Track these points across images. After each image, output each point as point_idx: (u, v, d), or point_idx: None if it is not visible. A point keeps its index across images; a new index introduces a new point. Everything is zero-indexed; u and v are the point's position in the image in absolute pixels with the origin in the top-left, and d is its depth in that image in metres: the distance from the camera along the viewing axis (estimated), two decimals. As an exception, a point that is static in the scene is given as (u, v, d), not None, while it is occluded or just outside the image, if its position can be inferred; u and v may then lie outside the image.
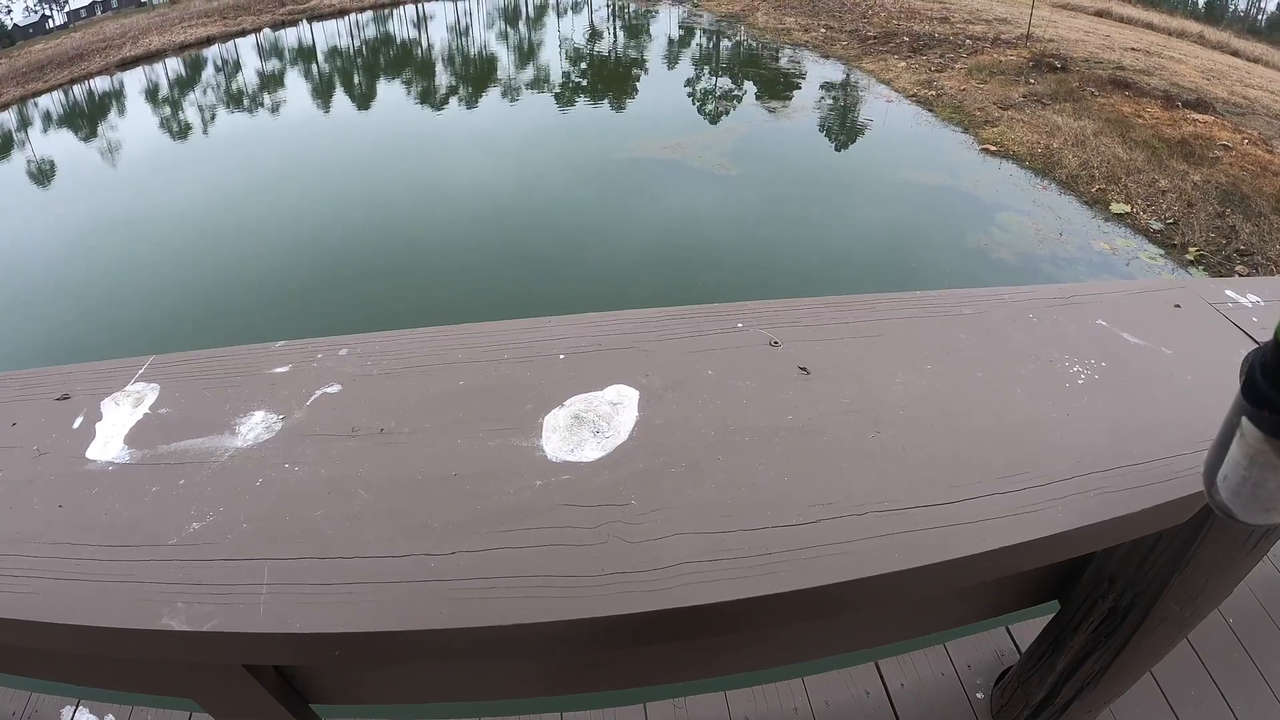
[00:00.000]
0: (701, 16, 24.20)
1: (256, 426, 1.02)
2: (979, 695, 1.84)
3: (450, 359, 1.09)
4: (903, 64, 17.31)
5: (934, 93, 15.21)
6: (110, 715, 1.88)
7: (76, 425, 1.10)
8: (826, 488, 0.86)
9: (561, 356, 1.06)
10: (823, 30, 20.81)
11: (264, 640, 0.80)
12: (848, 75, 17.51)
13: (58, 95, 25.33)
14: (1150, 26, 22.45)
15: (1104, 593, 1.23)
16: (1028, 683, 1.59)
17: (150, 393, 1.12)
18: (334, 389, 1.06)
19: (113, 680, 1.30)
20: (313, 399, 1.05)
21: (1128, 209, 10.21)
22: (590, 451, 0.92)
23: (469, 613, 0.78)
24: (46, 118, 23.68)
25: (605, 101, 17.45)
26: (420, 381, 1.06)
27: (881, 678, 1.96)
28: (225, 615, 0.81)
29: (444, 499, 0.89)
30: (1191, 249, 9.37)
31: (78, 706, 1.91)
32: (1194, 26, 22.99)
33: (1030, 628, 1.87)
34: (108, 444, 1.05)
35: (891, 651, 1.98)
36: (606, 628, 0.78)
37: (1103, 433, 0.93)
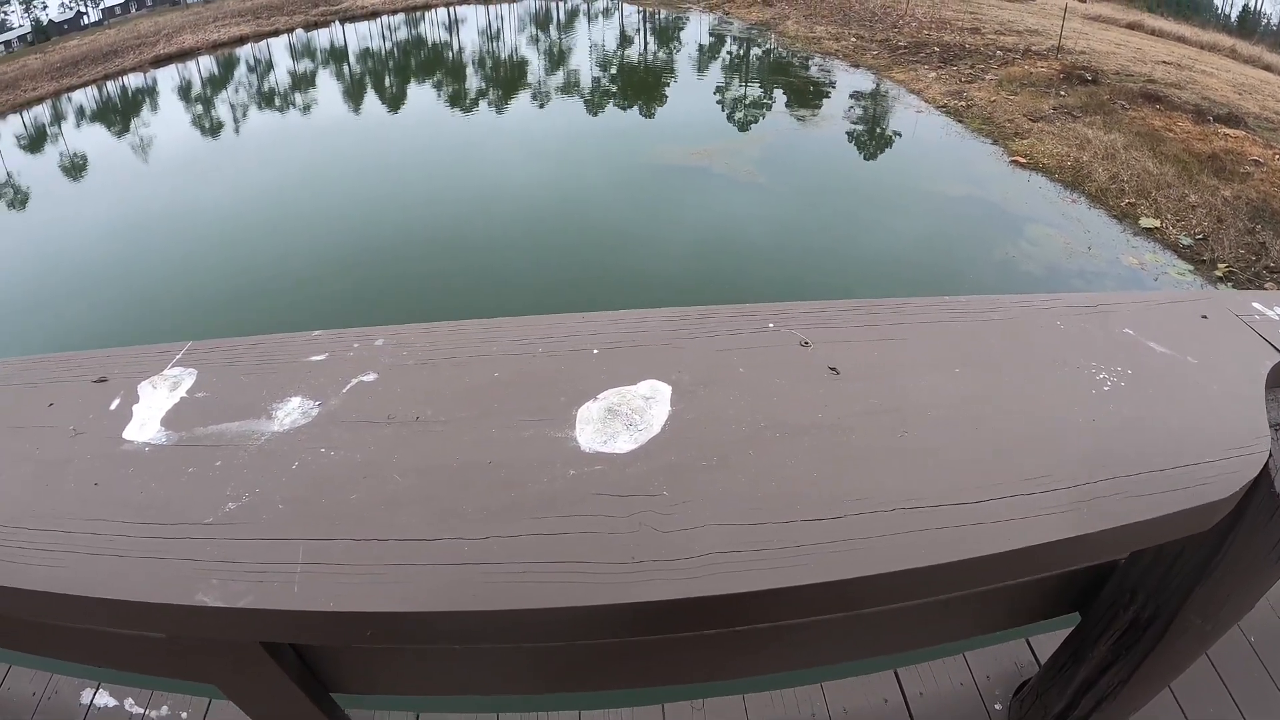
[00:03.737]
0: (732, 24, 24.21)
1: (293, 412, 1.03)
2: (997, 706, 1.84)
3: (485, 351, 1.10)
4: (933, 74, 17.28)
5: (964, 104, 15.17)
6: (130, 698, 1.89)
7: (113, 407, 1.11)
8: (855, 484, 0.87)
9: (595, 351, 1.07)
10: (853, 39, 20.80)
11: (297, 618, 0.82)
12: (877, 85, 17.49)
13: (91, 91, 25.63)
14: (1182, 40, 22.31)
15: (1126, 604, 1.23)
16: (1047, 694, 1.58)
17: (187, 377, 1.14)
18: (370, 377, 1.07)
19: (135, 663, 1.31)
20: (349, 386, 1.06)
21: (1157, 224, 10.14)
22: (623, 444, 0.93)
23: (504, 596, 0.79)
24: (80, 112, 23.96)
25: (634, 107, 17.50)
26: (455, 372, 1.07)
27: (900, 686, 1.95)
28: (259, 593, 0.82)
29: (479, 486, 0.90)
30: (1220, 265, 9.30)
31: (98, 689, 1.92)
32: (1226, 40, 22.82)
33: (1049, 640, 1.86)
34: (144, 425, 1.07)
35: (911, 660, 1.97)
36: (638, 614, 0.79)
37: (1129, 439, 0.93)
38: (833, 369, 1.02)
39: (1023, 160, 12.27)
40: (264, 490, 0.93)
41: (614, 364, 1.05)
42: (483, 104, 18.79)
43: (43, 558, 0.92)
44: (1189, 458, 0.91)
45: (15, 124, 23.37)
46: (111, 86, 25.67)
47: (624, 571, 0.79)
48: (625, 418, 0.96)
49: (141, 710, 1.86)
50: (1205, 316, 1.14)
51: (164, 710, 1.86)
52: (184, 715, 1.84)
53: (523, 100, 18.75)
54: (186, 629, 0.91)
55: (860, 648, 1.24)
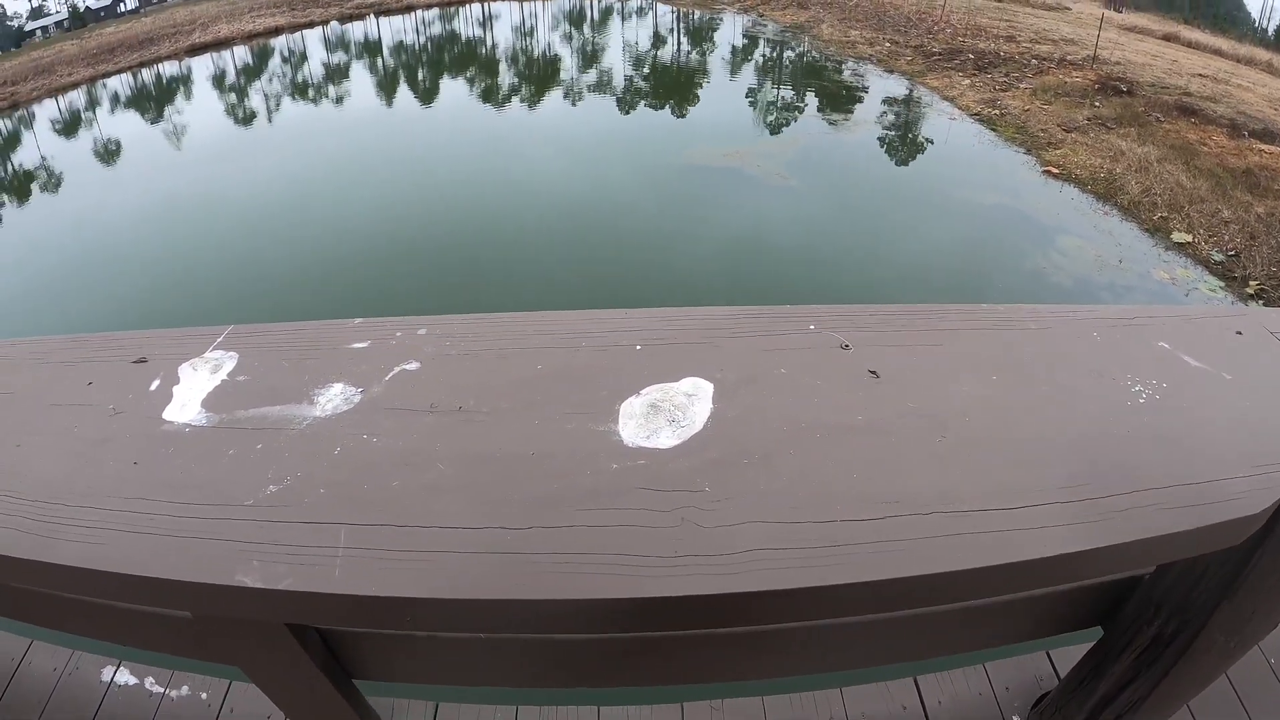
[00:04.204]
0: (766, 26, 24.14)
1: (335, 398, 1.04)
2: (1015, 718, 1.83)
3: (528, 344, 1.11)
4: (967, 81, 17.19)
5: (998, 112, 15.09)
6: (150, 677, 1.90)
7: (153, 388, 1.12)
8: (893, 486, 0.87)
9: (638, 347, 1.08)
10: (887, 44, 20.71)
11: (338, 602, 0.82)
12: (911, 91, 17.40)
13: (126, 77, 25.85)
14: (1218, 53, 22.09)
15: (1150, 619, 1.22)
16: (1066, 707, 1.58)
17: (228, 360, 1.15)
18: (412, 366, 1.08)
19: (160, 643, 1.32)
20: (391, 375, 1.07)
21: (1189, 239, 10.05)
22: (666, 439, 0.93)
23: (546, 585, 0.79)
24: (115, 98, 24.14)
25: (666, 107, 17.48)
26: (498, 364, 1.08)
27: (919, 693, 1.95)
28: (299, 576, 0.83)
29: (521, 476, 0.91)
30: (1252, 283, 9.20)
31: (118, 667, 1.93)
32: (1263, 54, 22.53)
33: (1070, 654, 1.85)
34: (185, 407, 1.08)
35: (930, 668, 1.97)
36: (681, 608, 0.79)
37: (1162, 451, 0.93)
38: (872, 372, 1.03)
39: (1055, 170, 12.18)
40: (305, 474, 0.94)
41: (656, 360, 1.06)
42: (515, 100, 18.83)
43: (80, 534, 0.93)
44: (1222, 472, 0.91)
45: (51, 109, 23.63)
46: (147, 74, 25.90)
47: (667, 565, 0.80)
48: (668, 414, 0.97)
49: (162, 690, 1.87)
50: (1240, 333, 1.14)
51: (184, 690, 1.88)
52: (203, 696, 1.85)
53: (555, 97, 18.78)
54: (224, 610, 0.92)
55: (883, 653, 1.25)
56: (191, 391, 1.10)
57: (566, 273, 9.04)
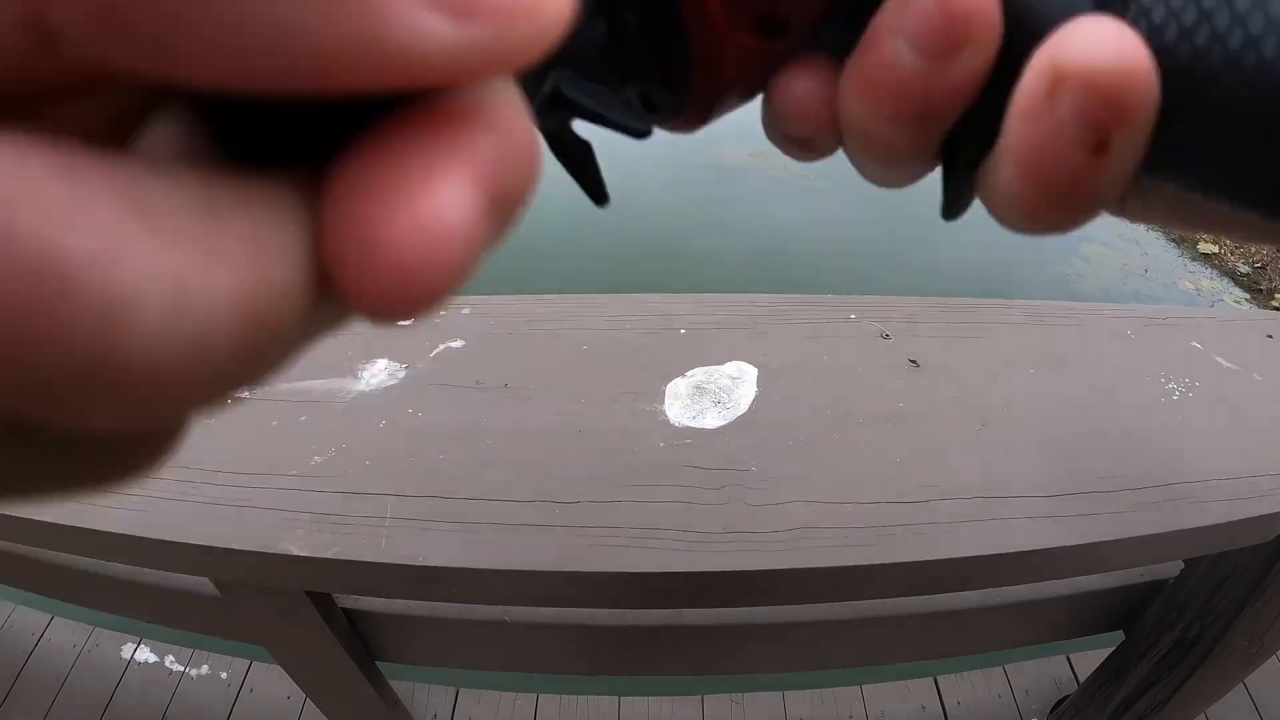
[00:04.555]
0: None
1: (380, 373, 1.05)
2: None
3: (573, 324, 1.12)
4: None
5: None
6: (171, 655, 1.91)
7: None
8: (936, 472, 0.89)
9: (683, 331, 1.09)
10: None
11: (384, 571, 0.83)
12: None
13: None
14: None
15: (1172, 622, 1.23)
16: (1085, 711, 1.58)
17: None
18: (457, 344, 1.09)
19: (184, 620, 1.33)
20: (436, 352, 1.08)
21: (1215, 249, 9.97)
22: (712, 420, 0.94)
23: (598, 557, 0.80)
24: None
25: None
26: (544, 343, 1.09)
27: (939, 694, 1.95)
28: (345, 544, 0.84)
29: (569, 452, 0.92)
30: (1278, 295, 9.15)
31: (139, 644, 1.94)
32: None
33: (1089, 658, 1.84)
34: None
35: (950, 669, 1.96)
36: (730, 582, 0.80)
37: (1196, 447, 0.94)
38: (913, 361, 1.04)
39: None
40: (350, 446, 0.95)
41: (701, 344, 1.07)
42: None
43: (120, 500, 0.93)
44: (1253, 469, 0.92)
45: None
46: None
47: (717, 540, 0.81)
48: (713, 395, 0.98)
49: (182, 668, 1.88)
50: (1270, 336, 1.15)
51: (204, 669, 1.88)
52: (223, 675, 1.86)
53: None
54: (265, 579, 0.93)
55: (905, 650, 1.26)
56: None
57: (595, 266, 9.05)
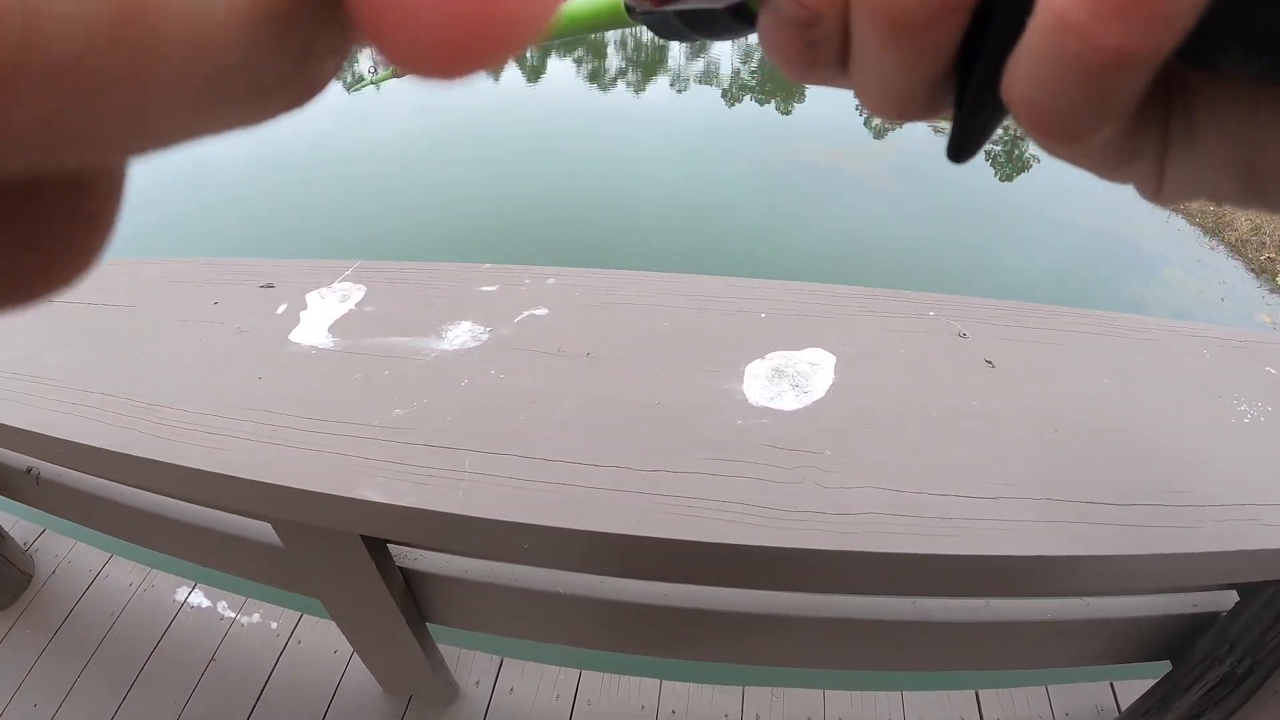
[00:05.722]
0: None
1: (463, 334, 1.07)
2: None
3: (656, 301, 1.14)
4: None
5: (1105, 135, 14.73)
6: (224, 602, 1.94)
7: (280, 311, 1.16)
8: (1007, 470, 0.89)
9: (763, 315, 1.10)
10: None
11: (460, 523, 0.85)
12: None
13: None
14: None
15: (1223, 656, 1.21)
16: (1124, 738, 1.56)
17: (356, 291, 1.18)
18: (541, 312, 1.11)
19: (246, 568, 1.36)
20: (520, 318, 1.10)
21: (1296, 282, 9.74)
22: (789, 402, 0.95)
23: (669, 525, 0.81)
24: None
25: (771, 102, 17.38)
26: (626, 316, 1.11)
27: (979, 707, 1.93)
28: (423, 494, 0.86)
29: (647, 422, 0.93)
30: (1360, 333, 8.91)
31: (193, 589, 1.98)
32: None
33: (1133, 687, 1.81)
34: (312, 330, 1.11)
35: (993, 683, 1.95)
36: (799, 561, 0.81)
37: (1264, 472, 0.93)
38: (988, 362, 1.04)
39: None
40: (432, 402, 0.97)
41: (781, 328, 1.08)
42: (621, 84, 18.87)
43: (202, 439, 0.97)
44: None
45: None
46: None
47: (788, 518, 0.82)
48: (791, 379, 0.99)
49: (234, 615, 1.91)
50: None
51: (255, 618, 1.91)
52: (273, 625, 1.89)
53: (661, 85, 18.78)
54: (342, 522, 0.95)
55: (950, 657, 1.25)
56: (319, 317, 1.14)
57: (678, 248, 9.06)
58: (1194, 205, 11.64)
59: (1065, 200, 11.85)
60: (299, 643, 1.84)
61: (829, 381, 0.99)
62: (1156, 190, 0.25)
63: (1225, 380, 1.06)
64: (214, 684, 1.75)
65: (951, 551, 0.80)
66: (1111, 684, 1.89)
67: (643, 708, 1.70)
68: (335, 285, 1.20)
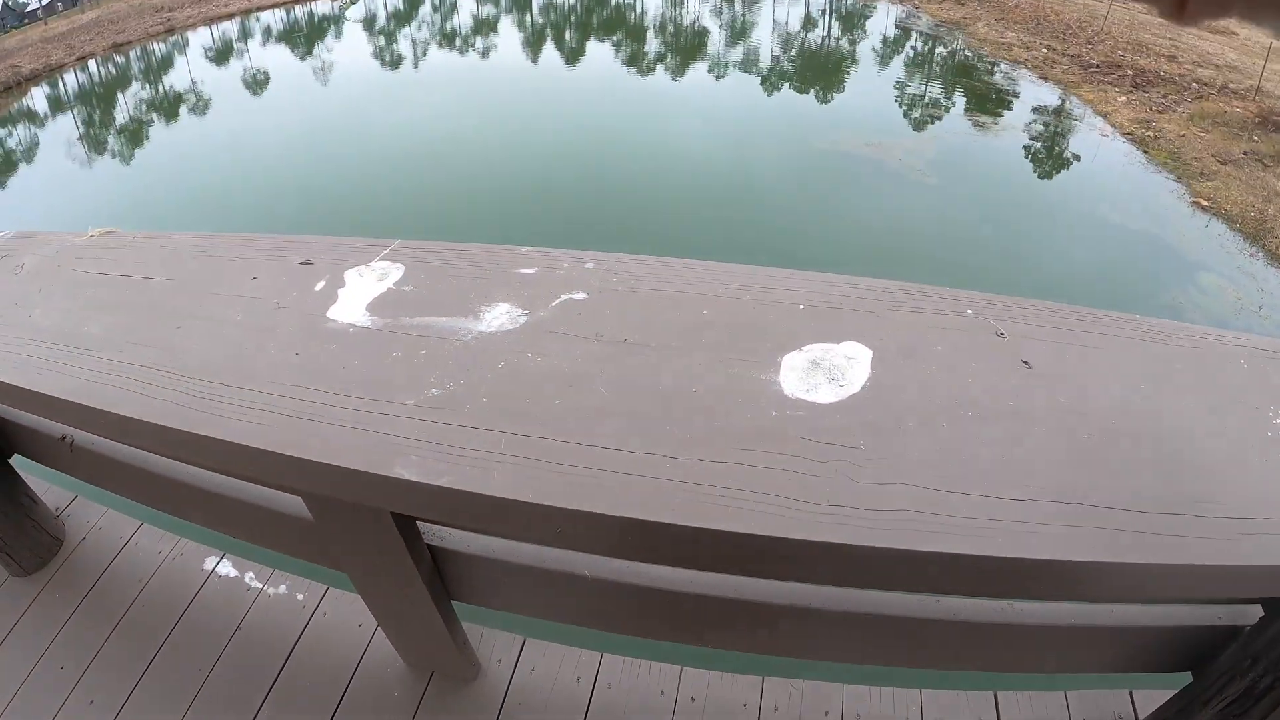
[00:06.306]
0: (920, 19, 23.50)
1: (500, 316, 1.07)
2: None
3: (694, 289, 1.13)
4: (1123, 98, 16.51)
5: (1151, 134, 14.45)
6: (251, 572, 1.96)
7: (318, 288, 1.17)
8: (1040, 471, 0.88)
9: (801, 307, 1.10)
10: (1044, 50, 20.01)
11: (493, 504, 0.85)
12: (1063, 101, 16.77)
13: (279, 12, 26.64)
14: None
15: (1245, 670, 1.19)
16: (1139, 749, 1.55)
17: (394, 270, 1.19)
18: (579, 295, 1.11)
19: (275, 539, 1.37)
20: (558, 301, 1.10)
21: (1337, 294, 9.56)
22: (825, 395, 0.95)
23: (701, 514, 0.81)
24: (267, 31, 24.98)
25: (810, 91, 17.24)
26: (664, 304, 1.11)
27: (997, 709, 1.91)
28: (457, 475, 0.87)
29: (683, 410, 0.93)
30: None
31: (221, 559, 2.00)
32: None
33: (1152, 697, 1.79)
34: (350, 308, 1.12)
35: (1012, 685, 1.93)
36: (828, 556, 0.81)
37: None
38: (1025, 362, 1.03)
39: (1205, 203, 11.63)
40: (469, 383, 0.97)
41: (819, 321, 1.07)
42: (660, 69, 18.80)
43: (238, 412, 0.98)
44: None
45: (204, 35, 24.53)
46: (299, 10, 26.76)
47: (820, 513, 0.82)
48: (827, 371, 0.99)
49: (260, 586, 1.93)
50: None
51: (282, 589, 1.93)
52: (299, 597, 1.90)
53: (700, 70, 18.69)
54: (376, 498, 0.95)
55: (970, 657, 1.25)
56: (357, 295, 1.15)
57: (710, 235, 9.05)
58: (1235, 209, 11.43)
59: (1104, 199, 11.68)
60: (324, 615, 1.86)
61: (865, 376, 0.98)
62: (1179, 5, 0.24)
63: (1262, 391, 1.04)
64: (239, 652, 1.77)
65: (981, 553, 0.80)
66: (1130, 693, 1.87)
67: (662, 693, 1.71)
68: (374, 264, 1.20)
